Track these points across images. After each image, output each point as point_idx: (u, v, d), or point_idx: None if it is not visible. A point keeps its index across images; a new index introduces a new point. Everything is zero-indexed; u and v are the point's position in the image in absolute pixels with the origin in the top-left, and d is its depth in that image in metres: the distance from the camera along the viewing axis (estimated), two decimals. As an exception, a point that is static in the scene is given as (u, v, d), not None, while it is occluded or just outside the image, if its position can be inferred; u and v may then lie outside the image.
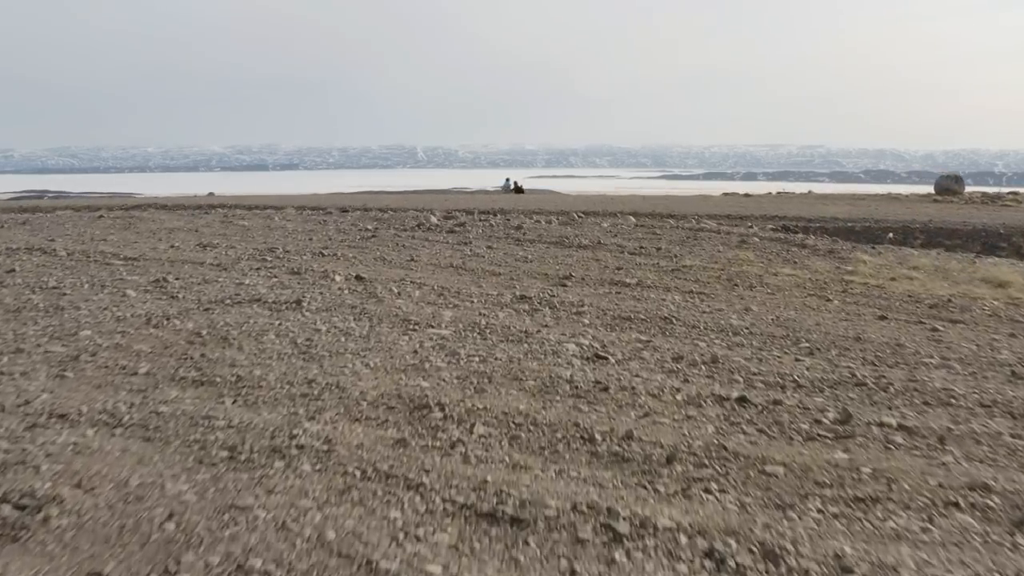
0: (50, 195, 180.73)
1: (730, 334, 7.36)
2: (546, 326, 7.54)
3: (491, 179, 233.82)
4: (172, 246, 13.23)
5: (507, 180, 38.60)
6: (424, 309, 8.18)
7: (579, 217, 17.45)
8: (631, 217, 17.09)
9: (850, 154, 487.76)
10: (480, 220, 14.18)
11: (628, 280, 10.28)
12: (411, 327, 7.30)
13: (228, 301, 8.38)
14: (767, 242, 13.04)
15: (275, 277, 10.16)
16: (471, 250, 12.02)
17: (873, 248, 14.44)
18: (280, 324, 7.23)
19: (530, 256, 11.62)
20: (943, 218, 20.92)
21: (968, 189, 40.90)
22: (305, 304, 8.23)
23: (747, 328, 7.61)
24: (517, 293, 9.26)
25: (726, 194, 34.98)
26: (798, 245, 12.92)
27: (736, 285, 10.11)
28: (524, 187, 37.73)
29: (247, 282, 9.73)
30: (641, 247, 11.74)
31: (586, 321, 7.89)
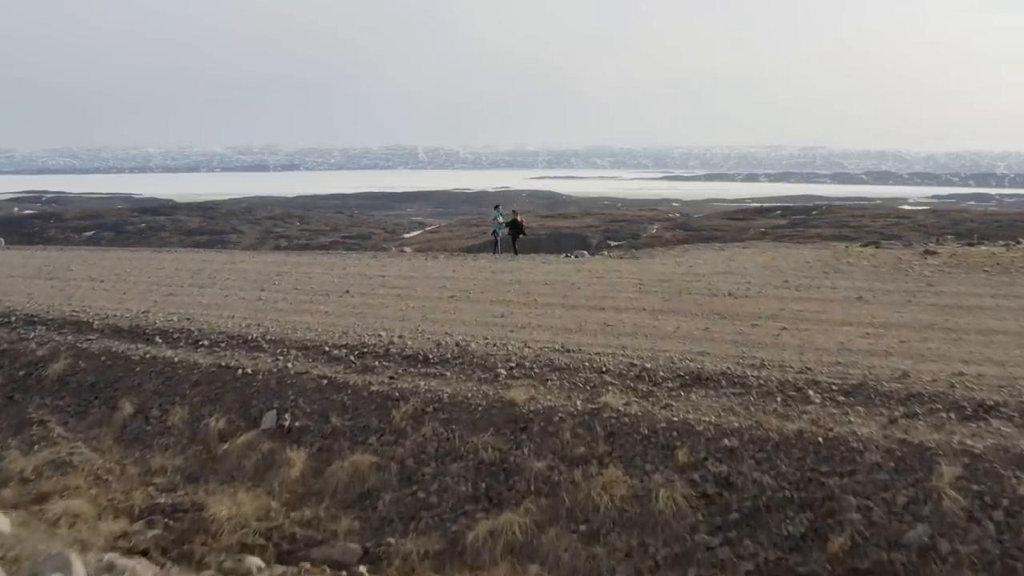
0: (48, 196, 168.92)
1: None
2: None
3: (492, 180, 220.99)
4: None
5: (498, 211, 25.35)
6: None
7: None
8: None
9: (851, 155, 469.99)
10: None
11: None
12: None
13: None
14: None
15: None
16: None
17: None
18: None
19: None
20: None
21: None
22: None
23: None
24: None
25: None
26: None
27: None
28: (523, 220, 24.68)
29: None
30: None
31: None
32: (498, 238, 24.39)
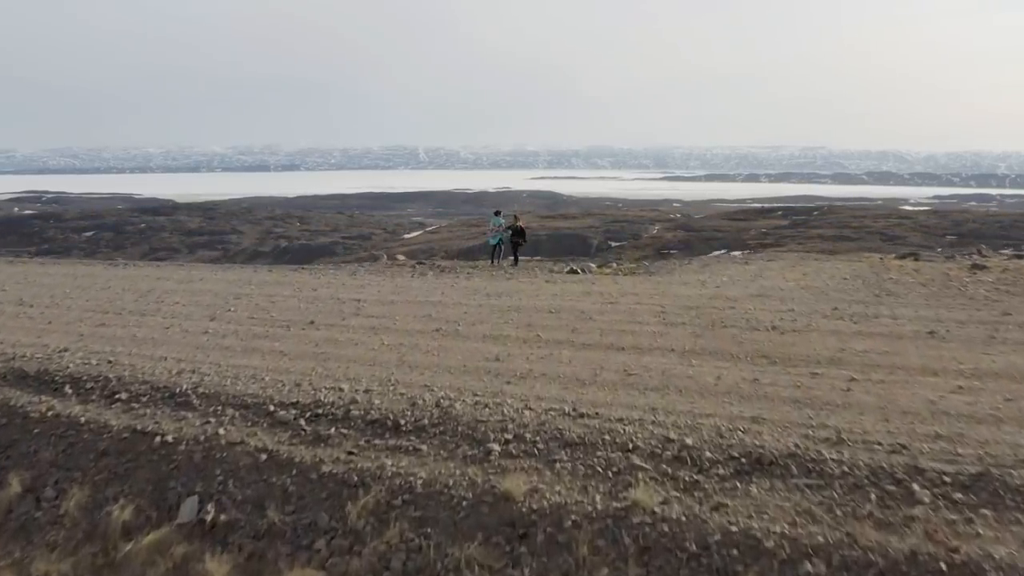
0: (48, 196, 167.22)
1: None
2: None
3: (492, 181, 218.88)
4: None
5: (498, 217, 23.28)
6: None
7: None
8: None
9: (852, 155, 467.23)
10: None
11: None
12: None
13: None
14: None
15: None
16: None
17: None
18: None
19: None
20: None
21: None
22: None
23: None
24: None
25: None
26: None
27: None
28: (523, 224, 22.69)
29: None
30: None
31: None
32: (500, 247, 22.40)
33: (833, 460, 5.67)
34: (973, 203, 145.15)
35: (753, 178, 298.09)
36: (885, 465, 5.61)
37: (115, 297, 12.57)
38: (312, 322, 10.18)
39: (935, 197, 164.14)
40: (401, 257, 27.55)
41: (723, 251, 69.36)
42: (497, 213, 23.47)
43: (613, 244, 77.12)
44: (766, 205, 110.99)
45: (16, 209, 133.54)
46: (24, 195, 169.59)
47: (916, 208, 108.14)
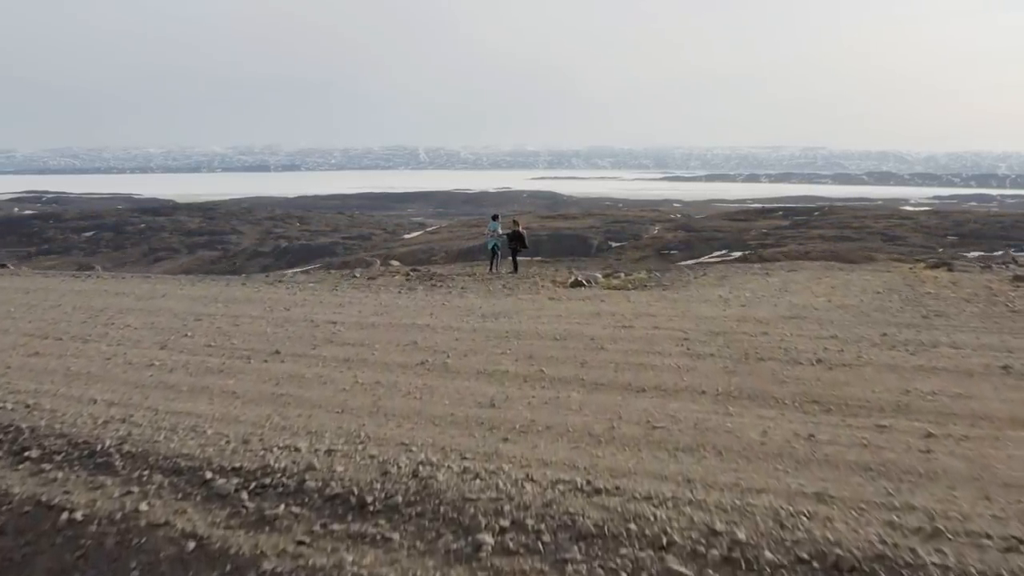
0: (49, 196, 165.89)
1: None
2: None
3: (493, 181, 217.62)
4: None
5: (496, 222, 22.01)
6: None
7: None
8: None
9: (852, 156, 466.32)
10: None
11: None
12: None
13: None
14: None
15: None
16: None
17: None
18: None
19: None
20: None
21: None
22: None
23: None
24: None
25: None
26: None
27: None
28: (523, 229, 21.48)
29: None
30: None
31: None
32: (497, 253, 21.31)
33: (935, 565, 4.24)
34: (973, 203, 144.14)
35: (753, 178, 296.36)
36: (1005, 573, 4.20)
37: (61, 318, 11.12)
38: (277, 352, 8.74)
39: (935, 197, 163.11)
40: (395, 263, 26.19)
41: (724, 251, 68.12)
42: (495, 217, 22.27)
43: (613, 244, 75.89)
44: (767, 205, 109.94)
45: (16, 209, 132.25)
46: (24, 195, 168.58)
47: (917, 208, 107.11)
